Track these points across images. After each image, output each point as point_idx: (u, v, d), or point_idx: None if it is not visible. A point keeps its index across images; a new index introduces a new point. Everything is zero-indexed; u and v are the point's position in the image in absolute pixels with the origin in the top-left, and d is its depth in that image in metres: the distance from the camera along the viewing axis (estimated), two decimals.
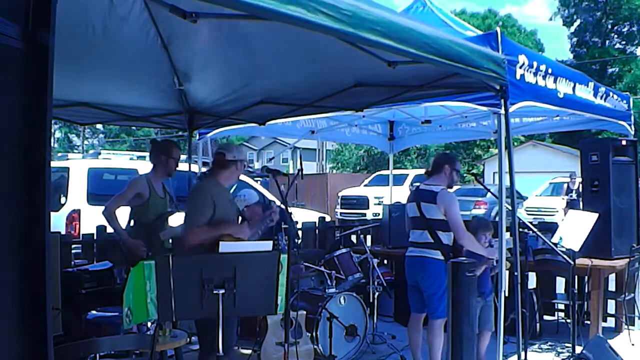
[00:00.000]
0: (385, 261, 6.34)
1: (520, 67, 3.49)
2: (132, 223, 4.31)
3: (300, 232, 6.44)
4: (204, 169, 5.57)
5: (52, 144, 4.15)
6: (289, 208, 3.25)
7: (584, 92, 4.44)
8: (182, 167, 5.39)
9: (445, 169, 4.11)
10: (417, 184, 4.45)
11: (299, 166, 4.32)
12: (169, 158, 4.32)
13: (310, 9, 2.04)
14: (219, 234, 3.21)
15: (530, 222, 5.30)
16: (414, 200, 4.10)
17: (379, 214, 9.94)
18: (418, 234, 4.07)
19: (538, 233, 4.37)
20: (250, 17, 2.33)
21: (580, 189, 5.98)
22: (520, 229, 4.37)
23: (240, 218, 3.64)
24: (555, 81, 3.93)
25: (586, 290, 5.12)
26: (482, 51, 3.16)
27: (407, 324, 4.29)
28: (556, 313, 5.73)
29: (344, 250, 5.13)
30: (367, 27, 2.32)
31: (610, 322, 5.55)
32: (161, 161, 4.33)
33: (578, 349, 4.09)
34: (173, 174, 4.40)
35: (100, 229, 5.30)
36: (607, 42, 39.74)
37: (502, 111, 3.42)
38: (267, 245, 3.04)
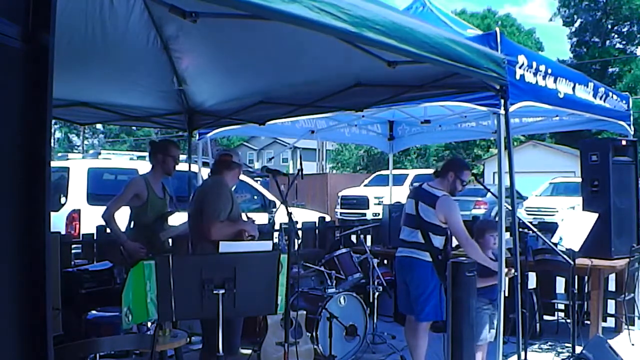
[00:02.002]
0: (385, 261, 6.34)
1: (520, 67, 3.49)
2: (132, 225, 4.30)
3: (300, 232, 6.44)
4: (204, 169, 5.57)
5: (52, 144, 4.15)
6: (289, 208, 3.26)
7: (584, 92, 4.44)
8: (182, 167, 5.38)
9: (450, 175, 4.05)
10: (417, 183, 4.44)
11: (299, 166, 4.31)
12: (165, 156, 4.31)
13: (311, 7, 2.04)
14: (237, 229, 3.35)
15: (530, 222, 5.29)
16: (414, 198, 4.08)
17: (379, 214, 9.93)
18: (409, 231, 4.05)
19: (538, 233, 4.36)
20: (251, 16, 2.33)
21: None
22: (520, 229, 4.36)
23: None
24: (555, 81, 3.93)
25: (586, 290, 5.12)
26: (482, 51, 3.16)
27: (405, 325, 4.29)
28: (556, 313, 5.73)
29: (344, 250, 5.13)
30: (368, 26, 2.31)
31: (610, 322, 5.55)
32: (158, 160, 4.32)
33: (578, 349, 4.09)
34: (172, 173, 4.38)
35: (100, 229, 5.29)
36: (607, 42, 39.75)
37: (502, 111, 3.41)
38: (267, 245, 3.05)
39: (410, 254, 4.00)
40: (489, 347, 4.01)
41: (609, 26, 39.61)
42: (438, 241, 3.95)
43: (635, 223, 5.37)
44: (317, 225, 7.02)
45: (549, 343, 5.08)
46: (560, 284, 5.63)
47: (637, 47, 39.23)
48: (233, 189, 3.73)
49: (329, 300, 4.47)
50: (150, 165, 4.45)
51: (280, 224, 5.61)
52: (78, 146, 39.79)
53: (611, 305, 5.49)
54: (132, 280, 2.44)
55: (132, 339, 2.97)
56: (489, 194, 8.28)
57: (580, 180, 5.42)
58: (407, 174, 17.71)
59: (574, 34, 41.02)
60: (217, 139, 6.40)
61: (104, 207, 4.27)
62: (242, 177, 7.16)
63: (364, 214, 16.30)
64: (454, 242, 4.17)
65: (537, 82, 3.70)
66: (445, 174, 4.08)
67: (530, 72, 3.60)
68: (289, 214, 3.23)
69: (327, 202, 19.48)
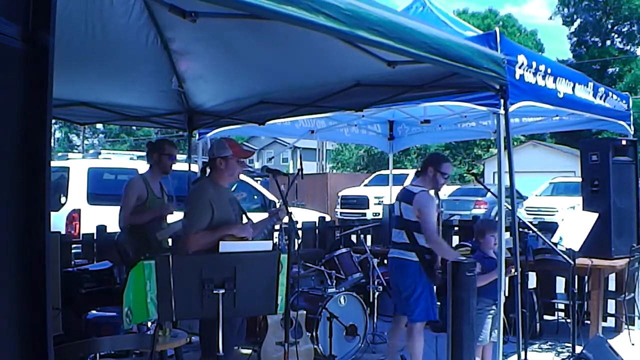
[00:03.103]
0: (385, 261, 6.30)
1: (520, 67, 3.49)
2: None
3: (300, 232, 6.43)
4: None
5: (52, 144, 4.15)
6: (289, 208, 3.25)
7: (584, 92, 4.44)
8: (183, 167, 5.38)
9: (429, 171, 4.02)
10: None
11: (299, 166, 4.31)
12: (161, 155, 4.32)
13: (310, 8, 2.04)
14: (220, 236, 3.13)
15: (530, 222, 5.30)
16: (398, 199, 4.11)
17: (379, 214, 9.94)
18: (397, 233, 4.07)
19: (538, 233, 4.36)
20: (249, 16, 2.33)
21: None
22: (520, 229, 4.36)
23: (244, 217, 3.58)
24: (554, 81, 3.93)
25: (586, 290, 5.13)
26: (481, 51, 3.16)
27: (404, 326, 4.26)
28: (556, 313, 5.74)
29: (344, 250, 5.13)
30: (367, 27, 2.31)
31: (610, 322, 5.55)
32: (154, 160, 4.34)
33: (578, 349, 4.09)
34: (169, 171, 4.38)
35: (100, 229, 5.30)
36: (607, 41, 39.73)
37: (502, 111, 3.42)
38: (267, 245, 3.04)
39: (398, 255, 4.02)
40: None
41: (609, 26, 39.58)
42: (423, 240, 3.92)
43: (635, 223, 5.37)
44: (317, 225, 7.02)
45: (549, 343, 5.08)
46: (560, 283, 5.63)
47: (637, 47, 39.23)
48: (234, 188, 3.68)
49: (329, 300, 4.47)
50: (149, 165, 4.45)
51: (280, 224, 5.60)
52: (78, 146, 39.78)
53: (611, 305, 5.49)
54: (133, 280, 2.44)
55: (132, 339, 2.97)
56: (489, 194, 8.29)
57: (580, 180, 5.43)
58: (407, 174, 17.65)
59: (574, 34, 40.99)
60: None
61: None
62: (242, 177, 7.14)
63: (364, 214, 16.30)
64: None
65: (536, 82, 3.70)
66: (425, 170, 4.06)
67: (530, 72, 3.60)
68: (289, 214, 3.22)
69: (327, 202, 19.47)
